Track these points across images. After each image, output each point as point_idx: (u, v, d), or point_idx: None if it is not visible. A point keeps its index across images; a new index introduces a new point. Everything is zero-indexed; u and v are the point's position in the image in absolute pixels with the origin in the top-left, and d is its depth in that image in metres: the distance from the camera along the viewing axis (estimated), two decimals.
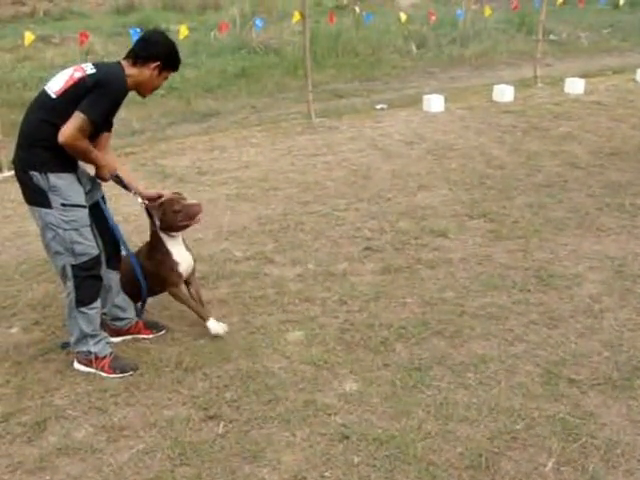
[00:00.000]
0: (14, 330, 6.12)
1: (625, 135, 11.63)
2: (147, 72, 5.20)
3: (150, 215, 5.74)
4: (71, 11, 26.74)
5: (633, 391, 4.99)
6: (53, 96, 5.00)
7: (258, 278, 6.83)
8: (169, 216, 5.67)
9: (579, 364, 5.31)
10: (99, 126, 5.07)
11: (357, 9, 22.32)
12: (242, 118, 13.55)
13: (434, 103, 13.37)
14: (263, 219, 8.30)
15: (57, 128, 4.89)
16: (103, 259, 5.44)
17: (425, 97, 13.67)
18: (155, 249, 5.80)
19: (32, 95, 5.37)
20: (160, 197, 5.74)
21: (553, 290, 6.45)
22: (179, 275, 5.78)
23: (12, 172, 9.87)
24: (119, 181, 5.56)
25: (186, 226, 5.76)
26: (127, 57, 5.24)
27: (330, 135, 11.89)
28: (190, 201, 5.84)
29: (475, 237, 7.63)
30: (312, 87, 13.05)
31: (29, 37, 11.60)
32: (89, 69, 5.05)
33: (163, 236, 5.76)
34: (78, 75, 5.01)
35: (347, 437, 4.57)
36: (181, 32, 11.81)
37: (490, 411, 4.79)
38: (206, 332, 5.79)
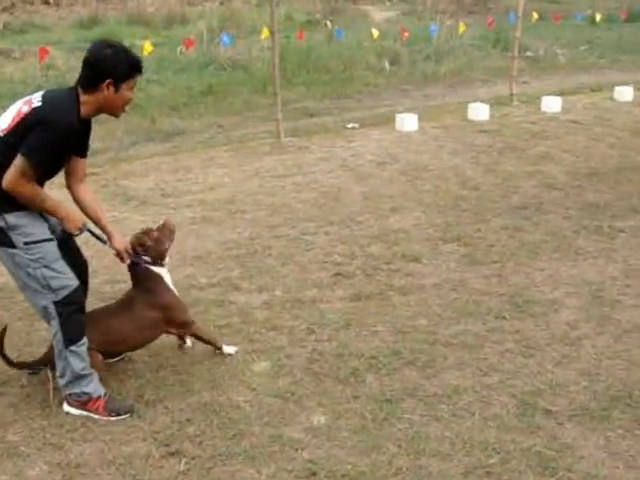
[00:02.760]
0: None
1: (603, 155, 11.56)
2: (102, 95, 4.82)
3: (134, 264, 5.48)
4: (32, 24, 26.43)
5: (611, 422, 4.89)
6: (0, 134, 4.75)
7: (223, 306, 6.62)
8: (156, 242, 5.52)
9: (556, 394, 5.21)
10: (45, 168, 4.78)
11: (329, 24, 22.26)
12: (208, 137, 13.32)
13: (407, 122, 13.20)
14: (229, 243, 8.08)
15: (5, 168, 4.63)
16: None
17: (398, 116, 13.50)
18: (154, 293, 5.50)
19: None
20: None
21: (529, 317, 6.33)
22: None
23: None
24: (92, 234, 5.26)
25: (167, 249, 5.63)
26: (78, 83, 4.87)
27: (300, 155, 11.68)
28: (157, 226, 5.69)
29: (449, 262, 7.48)
30: (281, 105, 12.87)
31: None
32: (36, 102, 4.74)
33: (159, 270, 5.54)
34: (25, 110, 4.71)
35: (315, 473, 4.43)
36: (145, 48, 11.56)
37: (464, 445, 4.66)
38: (168, 363, 5.63)
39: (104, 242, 5.32)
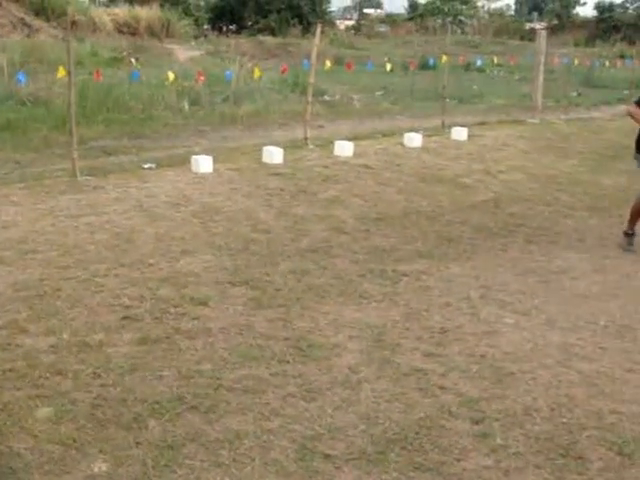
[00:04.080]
0: None
1: (391, 199, 11.94)
2: None
3: None
4: None
5: (387, 465, 5.01)
6: None
7: (9, 349, 6.47)
8: None
9: (335, 438, 5.30)
10: None
11: (134, 62, 22.18)
12: (4, 174, 12.92)
13: (202, 164, 13.16)
14: (18, 285, 7.88)
15: None
16: None
17: (193, 157, 13.45)
18: None
19: None
20: None
21: (312, 361, 6.44)
22: None
23: None
24: None
25: None
26: None
27: (95, 195, 11.51)
28: None
29: (236, 305, 7.54)
30: (80, 143, 12.71)
31: None
32: None
33: None
34: None
35: None
36: None
37: None
38: None
39: None
